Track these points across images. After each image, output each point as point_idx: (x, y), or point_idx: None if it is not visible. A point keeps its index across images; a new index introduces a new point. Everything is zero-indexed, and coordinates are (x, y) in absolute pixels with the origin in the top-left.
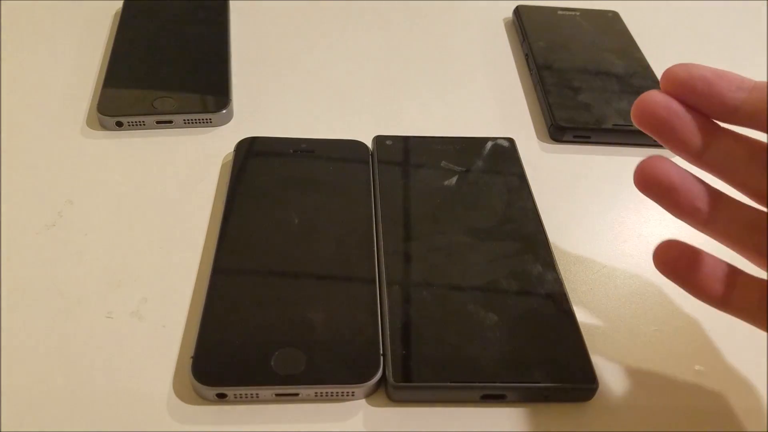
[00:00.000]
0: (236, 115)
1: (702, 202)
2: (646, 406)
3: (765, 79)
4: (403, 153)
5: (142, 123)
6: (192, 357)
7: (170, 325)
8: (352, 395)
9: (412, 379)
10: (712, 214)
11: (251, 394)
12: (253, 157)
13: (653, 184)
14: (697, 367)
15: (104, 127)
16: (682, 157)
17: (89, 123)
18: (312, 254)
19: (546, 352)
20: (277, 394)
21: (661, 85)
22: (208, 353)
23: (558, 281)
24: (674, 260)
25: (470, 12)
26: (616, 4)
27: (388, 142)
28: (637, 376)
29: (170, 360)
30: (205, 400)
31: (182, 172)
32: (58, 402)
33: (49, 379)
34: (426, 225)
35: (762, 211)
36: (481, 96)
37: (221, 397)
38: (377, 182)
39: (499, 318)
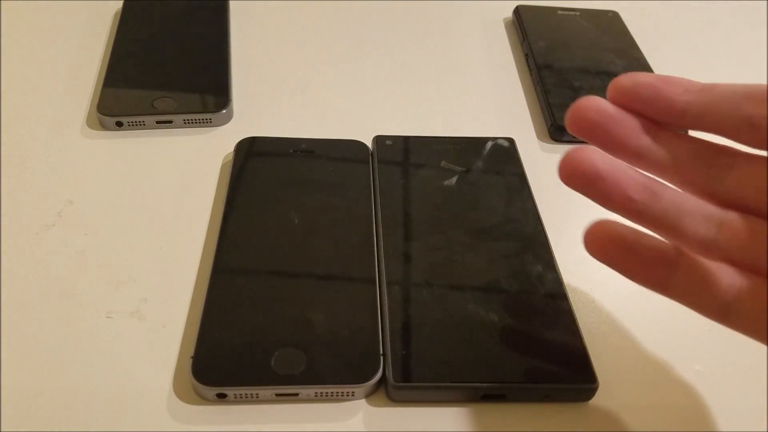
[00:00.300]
0: (236, 115)
1: (635, 191)
2: (646, 406)
3: (765, 81)
4: (403, 153)
5: (142, 123)
6: (192, 357)
7: (170, 325)
8: (352, 395)
9: (412, 379)
10: (649, 203)
11: (251, 394)
12: (253, 157)
13: (577, 176)
14: (697, 367)
15: (104, 127)
16: (625, 160)
17: (89, 123)
18: (312, 254)
19: (546, 352)
20: (277, 394)
21: (608, 96)
22: (208, 353)
23: (558, 281)
24: (607, 243)
25: (470, 12)
26: (616, 4)
27: (388, 142)
28: (637, 376)
29: (170, 360)
30: (205, 400)
31: (182, 172)
32: (58, 402)
33: (49, 379)
34: (426, 225)
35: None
36: (481, 96)
37: (221, 397)
38: (377, 182)
39: (499, 318)
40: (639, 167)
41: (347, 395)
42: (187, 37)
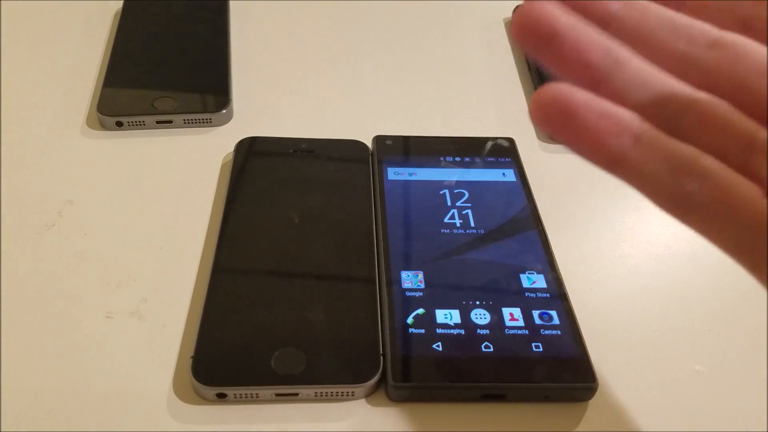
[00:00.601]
0: (236, 115)
1: (595, 55)
2: (645, 406)
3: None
4: (403, 153)
5: (142, 123)
6: (192, 357)
7: (170, 324)
8: (352, 395)
9: (411, 379)
10: (610, 71)
11: (251, 394)
12: (253, 157)
13: (531, 31)
14: (697, 367)
15: (104, 127)
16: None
17: (89, 123)
18: (312, 254)
19: (546, 351)
20: (277, 394)
21: None
22: (208, 353)
23: (558, 281)
24: (553, 107)
25: (470, 12)
26: None
27: (388, 142)
28: (636, 375)
29: (170, 360)
30: (205, 400)
31: (182, 172)
32: (58, 402)
33: (48, 379)
34: (426, 225)
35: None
36: (481, 96)
37: (221, 397)
38: (377, 182)
39: (499, 318)
40: (605, 34)
41: (347, 395)
42: (187, 37)
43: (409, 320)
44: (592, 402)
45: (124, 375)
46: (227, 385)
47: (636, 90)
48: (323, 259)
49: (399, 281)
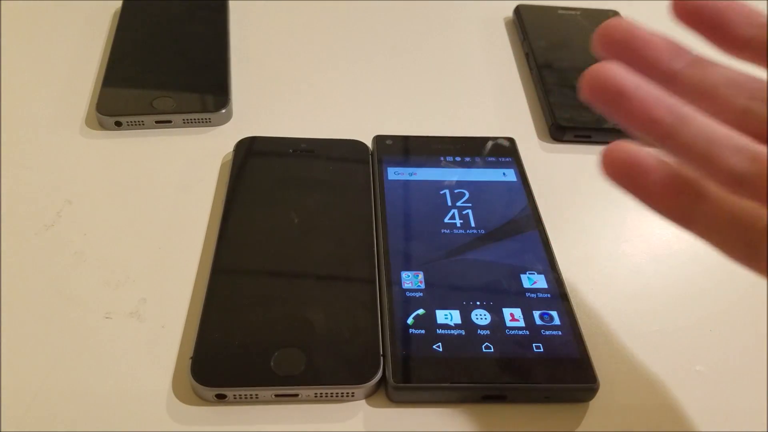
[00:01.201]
0: (235, 115)
1: (662, 112)
2: (646, 406)
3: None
4: (403, 153)
5: (141, 123)
6: (191, 357)
7: (169, 325)
8: (352, 396)
9: (411, 380)
10: (676, 127)
11: (251, 395)
12: (253, 157)
13: (600, 89)
14: (697, 367)
15: (103, 126)
16: (654, 82)
17: (88, 123)
18: (311, 254)
19: (546, 352)
20: (276, 395)
21: (672, 10)
22: (207, 354)
23: (559, 281)
24: (624, 163)
25: (470, 12)
26: (616, 4)
27: (388, 142)
28: (637, 376)
29: (169, 360)
30: (204, 401)
31: (181, 172)
32: (58, 402)
33: (48, 380)
34: (426, 225)
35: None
36: (481, 96)
37: (220, 398)
38: (377, 182)
39: (500, 318)
40: (669, 91)
41: (347, 396)
42: (186, 36)
43: (410, 321)
44: (593, 403)
45: (124, 375)
46: (227, 386)
47: (700, 145)
48: (323, 259)
49: (399, 281)
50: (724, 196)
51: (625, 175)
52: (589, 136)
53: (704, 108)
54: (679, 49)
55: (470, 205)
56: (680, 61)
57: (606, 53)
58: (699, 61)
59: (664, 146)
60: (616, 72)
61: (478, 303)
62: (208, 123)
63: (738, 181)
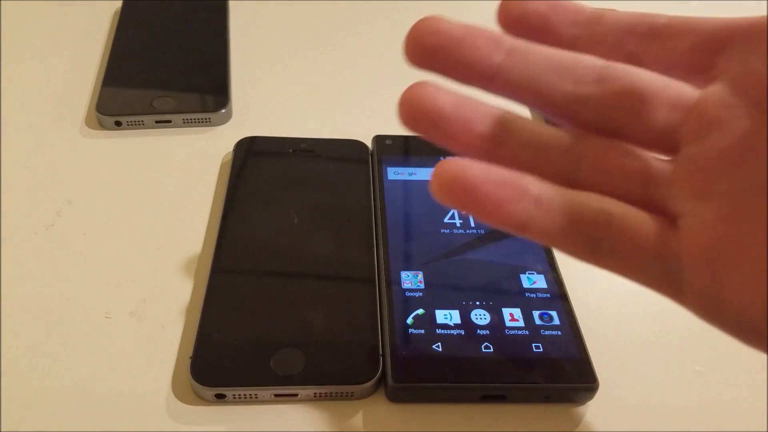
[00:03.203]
0: (235, 115)
1: (485, 126)
2: (646, 406)
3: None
4: (403, 153)
5: (141, 122)
6: (191, 357)
7: (169, 325)
8: (352, 395)
9: (411, 380)
10: (504, 137)
11: (250, 395)
12: (253, 157)
13: (418, 117)
14: (697, 368)
15: (103, 126)
16: (476, 84)
17: (88, 122)
18: (311, 254)
19: (546, 352)
20: (276, 395)
21: (498, 22)
22: (206, 353)
23: (558, 281)
24: (453, 184)
25: (470, 12)
26: (617, 3)
27: (388, 142)
28: (637, 376)
29: (169, 360)
30: (203, 401)
31: (181, 172)
32: (57, 402)
33: (48, 380)
34: (426, 225)
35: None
36: (481, 96)
37: (220, 398)
38: (377, 182)
39: (499, 318)
40: (494, 90)
41: (346, 396)
42: (186, 36)
43: (409, 320)
44: (593, 403)
45: (123, 375)
46: (226, 386)
47: (529, 151)
48: (322, 259)
49: (399, 281)
50: (557, 196)
51: (458, 196)
52: None
53: (531, 100)
54: (496, 39)
55: None
56: (499, 53)
57: (418, 64)
58: (518, 48)
59: (494, 160)
60: (432, 93)
61: (477, 303)
62: (207, 123)
63: (572, 181)
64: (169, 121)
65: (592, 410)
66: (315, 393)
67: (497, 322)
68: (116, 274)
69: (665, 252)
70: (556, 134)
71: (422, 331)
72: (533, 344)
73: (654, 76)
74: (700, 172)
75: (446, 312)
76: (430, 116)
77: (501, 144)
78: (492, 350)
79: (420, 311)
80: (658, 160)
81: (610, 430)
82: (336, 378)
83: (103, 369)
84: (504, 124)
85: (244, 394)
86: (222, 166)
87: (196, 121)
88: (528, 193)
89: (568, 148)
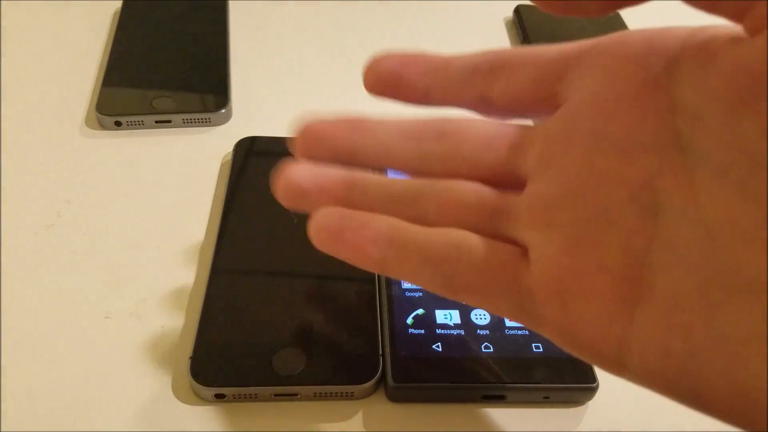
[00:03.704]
0: (235, 115)
1: (340, 190)
2: (646, 406)
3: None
4: None
5: (140, 122)
6: (190, 357)
7: (169, 325)
8: (352, 395)
9: (411, 380)
10: (356, 195)
11: (250, 395)
12: (253, 157)
13: (290, 194)
14: None
15: (103, 126)
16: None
17: (88, 122)
18: (311, 254)
19: (546, 352)
20: (276, 395)
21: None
22: (206, 353)
23: None
24: (323, 232)
25: (470, 12)
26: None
27: None
28: None
29: (169, 360)
30: (203, 401)
31: (181, 172)
32: (57, 402)
33: (47, 380)
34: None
35: None
36: None
37: (220, 398)
38: None
39: (499, 318)
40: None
41: (346, 395)
42: (186, 36)
43: (409, 320)
44: (593, 403)
45: (123, 375)
46: (226, 386)
47: (383, 203)
48: (322, 259)
49: (399, 281)
50: (408, 236)
51: (330, 244)
52: None
53: (390, 165)
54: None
55: None
56: (355, 134)
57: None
58: (368, 124)
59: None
60: (296, 176)
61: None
62: (207, 123)
63: (424, 220)
64: (169, 121)
65: (592, 410)
66: (315, 393)
67: (497, 322)
68: (116, 274)
69: (517, 285)
70: (405, 184)
71: (422, 331)
72: (533, 344)
73: (488, 124)
74: (544, 205)
75: (446, 312)
76: (297, 193)
77: (356, 203)
78: (492, 350)
79: (420, 311)
80: (506, 194)
81: (610, 430)
82: (336, 378)
83: (103, 369)
84: (355, 185)
85: (244, 394)
86: (222, 166)
87: (196, 121)
88: (382, 234)
89: (417, 195)
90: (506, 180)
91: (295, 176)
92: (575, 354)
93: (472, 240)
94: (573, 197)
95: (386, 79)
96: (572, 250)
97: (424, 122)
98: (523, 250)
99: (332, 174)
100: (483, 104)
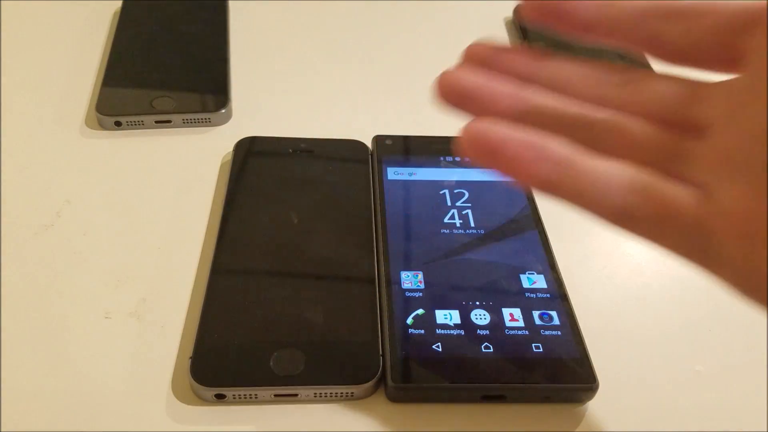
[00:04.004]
0: (235, 115)
1: (509, 100)
2: (647, 407)
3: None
4: (403, 153)
5: (140, 122)
6: (190, 357)
7: (169, 325)
8: (352, 396)
9: (411, 380)
10: (528, 111)
11: (250, 395)
12: (253, 157)
13: (449, 93)
14: (697, 367)
15: (103, 126)
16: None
17: (88, 122)
18: (311, 254)
19: (546, 352)
20: (276, 395)
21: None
22: (206, 354)
23: (558, 281)
24: (474, 141)
25: (470, 12)
26: None
27: (388, 142)
28: (637, 376)
29: (169, 360)
30: (203, 401)
31: (181, 172)
32: (57, 402)
33: (47, 380)
34: (426, 225)
35: None
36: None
37: (220, 398)
38: (377, 182)
39: (499, 318)
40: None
41: (346, 396)
42: (186, 36)
43: (409, 321)
44: (593, 403)
45: (123, 375)
46: (226, 386)
47: (557, 121)
48: (322, 259)
49: (399, 281)
50: (588, 160)
51: (482, 154)
52: None
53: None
54: (531, 55)
55: (470, 205)
56: (535, 63)
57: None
58: (552, 61)
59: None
60: (463, 75)
61: (477, 303)
62: (207, 123)
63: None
64: (169, 121)
65: (592, 410)
66: (315, 393)
67: (497, 322)
68: (116, 274)
69: (698, 223)
70: (581, 108)
71: (422, 332)
72: (533, 344)
73: (663, 76)
74: (731, 150)
75: (446, 312)
76: (461, 93)
77: (525, 117)
78: (492, 350)
79: (420, 311)
80: (682, 137)
81: (610, 430)
82: (336, 378)
83: (103, 369)
84: (529, 102)
85: (244, 394)
86: (222, 166)
87: (196, 121)
88: (554, 155)
89: (593, 122)
90: (678, 128)
91: (463, 75)
92: (753, 298)
93: (653, 174)
94: (761, 146)
95: (551, 10)
96: (760, 195)
97: (610, 66)
98: (703, 191)
99: (502, 84)
100: (654, 45)
